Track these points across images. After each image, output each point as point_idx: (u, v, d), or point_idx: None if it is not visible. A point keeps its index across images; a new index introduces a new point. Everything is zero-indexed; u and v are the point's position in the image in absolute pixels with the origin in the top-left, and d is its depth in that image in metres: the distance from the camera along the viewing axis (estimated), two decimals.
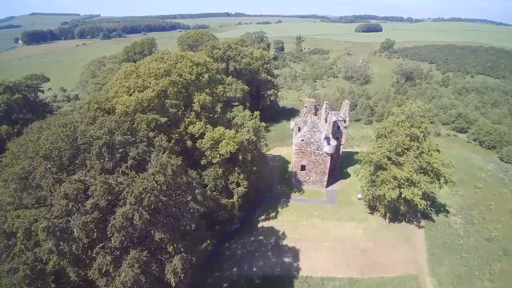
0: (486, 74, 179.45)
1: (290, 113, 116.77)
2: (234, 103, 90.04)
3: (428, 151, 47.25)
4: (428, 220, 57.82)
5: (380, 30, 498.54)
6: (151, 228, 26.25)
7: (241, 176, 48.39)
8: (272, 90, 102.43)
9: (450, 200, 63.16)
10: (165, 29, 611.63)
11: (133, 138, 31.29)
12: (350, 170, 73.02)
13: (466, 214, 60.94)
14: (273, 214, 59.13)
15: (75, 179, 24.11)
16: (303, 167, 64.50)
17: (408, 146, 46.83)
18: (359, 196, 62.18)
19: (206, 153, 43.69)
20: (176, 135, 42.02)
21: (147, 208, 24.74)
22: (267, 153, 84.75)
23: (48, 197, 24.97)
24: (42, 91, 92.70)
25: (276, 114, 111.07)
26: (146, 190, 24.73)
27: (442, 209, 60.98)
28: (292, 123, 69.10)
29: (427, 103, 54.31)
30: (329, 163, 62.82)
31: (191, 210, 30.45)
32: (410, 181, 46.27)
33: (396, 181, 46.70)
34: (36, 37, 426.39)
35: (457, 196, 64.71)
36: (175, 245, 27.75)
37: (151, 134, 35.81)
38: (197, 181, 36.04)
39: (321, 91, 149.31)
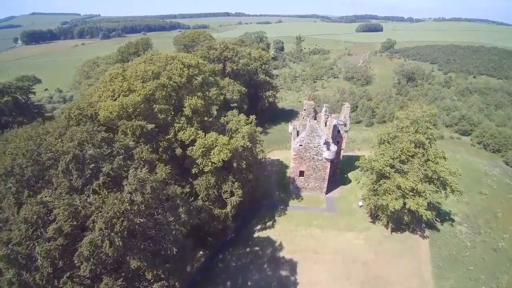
0: (489, 75, 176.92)
1: (290, 114, 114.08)
2: (232, 104, 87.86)
3: (434, 158, 44.41)
4: (433, 230, 55.02)
5: (381, 30, 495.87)
6: (126, 254, 23.38)
7: (236, 184, 45.61)
8: (270, 91, 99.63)
9: (455, 208, 60.35)
10: (165, 29, 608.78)
11: (109, 151, 28.34)
12: (351, 175, 70.17)
13: (472, 223, 58.20)
14: (270, 223, 56.33)
15: (37, 201, 21.28)
16: (301, 173, 61.74)
17: (412, 153, 44.01)
18: (360, 203, 59.43)
19: (197, 161, 40.90)
20: (165, 142, 39.22)
21: (119, 234, 21.90)
22: (265, 157, 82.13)
23: (10, 220, 22.14)
24: (34, 93, 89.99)
25: (275, 116, 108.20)
26: (118, 213, 21.90)
27: (447, 217, 58.21)
28: (290, 127, 66.35)
29: (433, 107, 51.17)
30: (329, 169, 60.08)
31: (173, 232, 27.52)
32: (415, 191, 43.48)
33: (400, 190, 43.94)
34: (35, 37, 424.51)
35: (463, 204, 61.91)
36: (154, 272, 25.01)
37: (131, 143, 33.03)
38: (182, 197, 32.81)
39: (321, 92, 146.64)
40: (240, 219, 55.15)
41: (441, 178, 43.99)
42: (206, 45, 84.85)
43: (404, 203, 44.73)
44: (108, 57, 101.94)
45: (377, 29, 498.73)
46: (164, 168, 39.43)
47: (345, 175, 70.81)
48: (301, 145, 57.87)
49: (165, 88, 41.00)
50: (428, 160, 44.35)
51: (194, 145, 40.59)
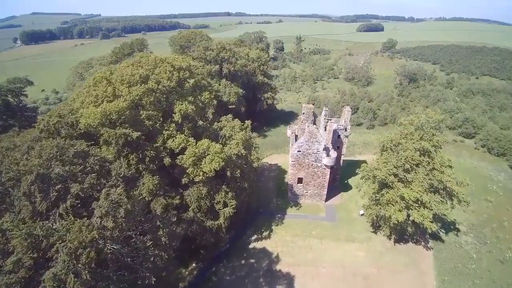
0: (492, 75, 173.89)
1: (289, 116, 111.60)
2: (230, 106, 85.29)
3: (440, 167, 41.71)
4: (437, 241, 52.40)
5: (382, 29, 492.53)
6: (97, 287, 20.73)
7: (229, 195, 43.01)
8: (269, 93, 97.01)
9: (460, 217, 57.71)
10: (165, 28, 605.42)
11: (82, 167, 25.66)
12: (351, 181, 67.62)
13: (478, 232, 55.63)
14: (267, 233, 53.74)
15: None
16: (300, 180, 59.14)
17: (417, 162, 41.31)
18: (361, 212, 56.79)
19: (188, 171, 38.31)
20: (152, 151, 36.60)
21: (87, 266, 19.29)
22: (260, 164, 79.46)
23: None
24: (26, 95, 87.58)
25: (274, 118, 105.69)
26: (85, 243, 19.30)
27: (452, 227, 55.60)
28: (288, 131, 63.67)
29: (438, 112, 48.43)
30: (328, 176, 57.47)
31: (152, 259, 24.84)
32: (419, 202, 40.83)
33: (403, 201, 41.33)
34: (34, 37, 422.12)
35: (468, 212, 59.20)
36: None
37: (109, 157, 30.47)
38: (163, 217, 29.79)
39: (321, 93, 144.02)
40: (235, 229, 52.66)
41: (448, 189, 41.35)
42: (203, 46, 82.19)
43: (408, 215, 42.13)
44: (102, 58, 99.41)
45: (378, 28, 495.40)
46: (151, 179, 37.10)
47: (346, 181, 68.20)
48: (300, 151, 55.27)
49: (154, 93, 38.43)
50: (434, 169, 41.67)
51: (184, 154, 37.93)
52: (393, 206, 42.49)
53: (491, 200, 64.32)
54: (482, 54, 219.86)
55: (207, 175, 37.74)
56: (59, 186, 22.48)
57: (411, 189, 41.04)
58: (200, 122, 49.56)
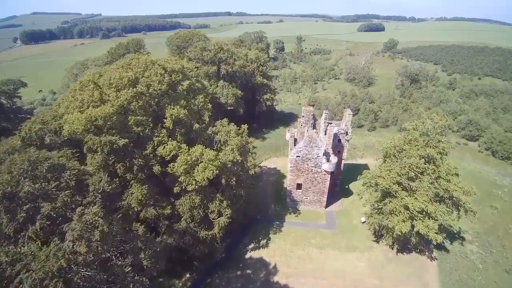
0: (494, 76, 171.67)
1: (289, 118, 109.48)
2: (229, 107, 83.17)
3: (446, 175, 39.53)
4: (442, 251, 50.25)
5: (383, 29, 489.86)
6: None
7: (224, 203, 40.91)
8: (268, 94, 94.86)
9: (465, 225, 55.44)
10: (165, 28, 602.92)
11: (56, 183, 23.51)
12: (352, 186, 65.59)
13: (483, 241, 53.57)
14: (264, 241, 51.64)
15: None
16: (299, 186, 57.06)
17: (422, 170, 39.09)
18: (363, 219, 54.68)
19: (179, 179, 36.23)
20: (140, 160, 34.47)
21: None
22: (262, 165, 77.53)
23: None
24: (19, 97, 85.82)
25: (273, 120, 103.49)
26: (52, 273, 17.14)
27: (457, 235, 53.42)
28: (287, 135, 61.46)
29: (444, 117, 46.12)
30: (328, 182, 55.37)
31: (131, 286, 22.61)
32: (424, 212, 38.68)
33: (407, 211, 39.19)
34: (34, 37, 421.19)
35: (473, 219, 57.05)
36: None
37: (89, 169, 28.39)
38: (145, 238, 27.23)
39: (321, 93, 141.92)
40: (231, 237, 50.67)
41: (454, 198, 39.22)
42: (200, 46, 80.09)
43: (412, 225, 40.00)
44: (97, 59, 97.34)
45: (379, 28, 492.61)
46: (140, 189, 35.06)
47: (346, 186, 66.07)
48: (299, 156, 53.18)
49: (143, 97, 36.32)
50: (439, 177, 39.52)
51: (175, 161, 35.84)
52: (397, 216, 40.35)
53: (497, 206, 62.25)
54: (484, 55, 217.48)
55: (200, 184, 35.63)
56: (28, 206, 20.31)
57: (415, 198, 38.91)
58: (196, 126, 47.72)
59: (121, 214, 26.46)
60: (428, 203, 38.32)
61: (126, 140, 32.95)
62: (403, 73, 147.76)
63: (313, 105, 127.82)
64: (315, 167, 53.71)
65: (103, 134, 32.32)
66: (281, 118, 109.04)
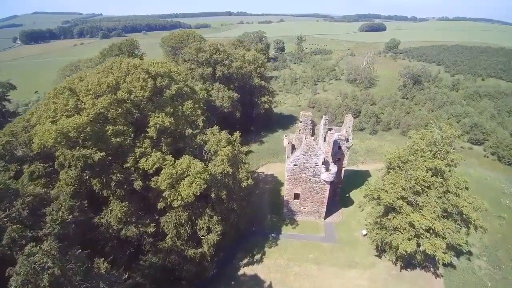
0: (498, 77, 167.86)
1: (288, 121, 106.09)
2: (226, 110, 79.97)
3: (456, 189, 36.21)
4: (448, 267, 46.89)
5: (384, 29, 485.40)
6: None
7: (214, 219, 37.77)
8: (266, 96, 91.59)
9: (473, 238, 51.66)
10: (165, 28, 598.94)
11: (4, 213, 20.07)
12: (353, 195, 62.43)
13: (491, 255, 50.46)
14: (259, 256, 48.43)
15: None
16: (296, 196, 53.87)
17: (429, 184, 35.77)
18: (364, 232, 51.47)
19: (164, 194, 33.12)
20: (119, 174, 31.34)
21: None
22: (258, 171, 74.37)
23: None
24: (9, 100, 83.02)
25: (271, 123, 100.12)
26: None
27: (464, 250, 49.99)
28: (285, 140, 58.14)
29: (453, 127, 42.66)
30: (328, 192, 52.16)
31: None
32: (431, 230, 35.44)
33: (413, 229, 35.95)
34: (34, 37, 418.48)
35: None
36: None
37: (53, 192, 25.24)
38: (108, 276, 23.50)
39: (322, 95, 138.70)
40: (223, 251, 47.45)
41: (464, 215, 35.96)
42: (194, 47, 76.87)
43: (418, 244, 36.76)
44: (89, 60, 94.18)
45: (380, 28, 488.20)
46: (120, 206, 31.93)
47: (347, 195, 62.83)
48: (296, 165, 50.00)
49: (124, 104, 33.18)
50: (448, 191, 36.24)
51: (159, 175, 32.70)
52: (401, 233, 37.10)
53: (505, 217, 59.09)
54: (487, 55, 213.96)
55: (186, 200, 32.49)
56: None
57: (421, 214, 35.64)
58: (189, 131, 44.69)
59: (82, 249, 22.78)
60: (436, 220, 35.05)
61: (103, 153, 29.79)
62: (406, 74, 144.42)
63: (313, 107, 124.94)
64: (314, 177, 50.53)
65: (78, 147, 29.19)
66: (280, 121, 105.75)
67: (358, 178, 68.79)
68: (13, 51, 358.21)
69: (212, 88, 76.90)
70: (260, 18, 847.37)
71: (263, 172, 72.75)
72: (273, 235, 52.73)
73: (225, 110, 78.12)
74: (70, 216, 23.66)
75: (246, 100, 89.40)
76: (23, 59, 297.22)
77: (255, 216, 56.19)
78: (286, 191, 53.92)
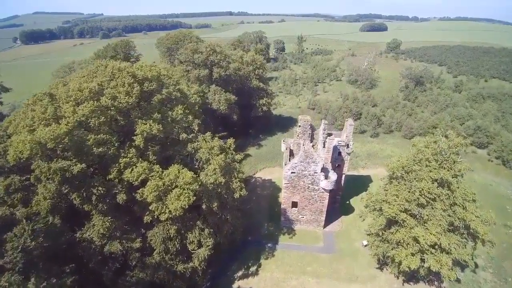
0: (501, 78, 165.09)
1: (287, 123, 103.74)
2: (224, 112, 77.76)
3: (463, 201, 33.86)
4: (452, 280, 44.51)
5: (385, 29, 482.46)
6: None
7: (206, 232, 35.60)
8: (265, 99, 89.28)
9: (478, 248, 49.81)
10: (166, 28, 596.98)
11: None
12: (354, 201, 60.17)
13: (497, 267, 48.27)
14: (254, 268, 46.15)
15: None
16: (294, 204, 51.63)
17: (435, 196, 33.43)
18: (364, 242, 49.20)
19: (150, 207, 30.93)
20: (100, 188, 29.12)
21: None
22: (256, 175, 72.18)
23: None
24: (1, 103, 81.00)
25: (270, 125, 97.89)
26: None
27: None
28: (283, 146, 55.70)
29: (462, 136, 40.06)
30: (327, 201, 49.90)
31: None
32: (437, 246, 33.13)
33: (417, 244, 33.66)
34: (34, 37, 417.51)
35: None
36: None
37: (18, 214, 23.01)
38: None
39: (322, 96, 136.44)
40: (217, 262, 45.23)
41: (472, 230, 33.65)
42: (190, 48, 74.64)
43: (422, 259, 34.48)
44: (84, 61, 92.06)
45: (381, 28, 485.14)
46: (102, 221, 29.74)
47: (347, 202, 60.56)
48: (294, 172, 47.74)
49: (108, 111, 30.99)
50: (455, 204, 33.92)
51: (146, 186, 30.49)
52: (405, 249, 34.79)
53: (511, 226, 56.77)
54: (490, 56, 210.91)
55: (174, 214, 30.27)
56: None
57: (426, 228, 33.34)
58: (184, 136, 42.53)
59: (65, 265, 20.76)
60: (442, 235, 32.75)
61: (84, 165, 27.60)
62: (407, 75, 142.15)
63: (313, 109, 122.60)
64: (312, 185, 48.29)
65: (56, 159, 26.99)
66: (279, 123, 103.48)
67: (359, 183, 66.49)
68: (12, 51, 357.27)
69: (209, 91, 74.72)
70: (261, 18, 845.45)
71: (260, 177, 70.53)
72: (269, 245, 50.46)
73: (222, 112, 76.03)
74: (33, 243, 21.36)
75: (244, 103, 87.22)
76: (22, 59, 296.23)
77: (251, 224, 54.02)
78: (284, 199, 51.67)
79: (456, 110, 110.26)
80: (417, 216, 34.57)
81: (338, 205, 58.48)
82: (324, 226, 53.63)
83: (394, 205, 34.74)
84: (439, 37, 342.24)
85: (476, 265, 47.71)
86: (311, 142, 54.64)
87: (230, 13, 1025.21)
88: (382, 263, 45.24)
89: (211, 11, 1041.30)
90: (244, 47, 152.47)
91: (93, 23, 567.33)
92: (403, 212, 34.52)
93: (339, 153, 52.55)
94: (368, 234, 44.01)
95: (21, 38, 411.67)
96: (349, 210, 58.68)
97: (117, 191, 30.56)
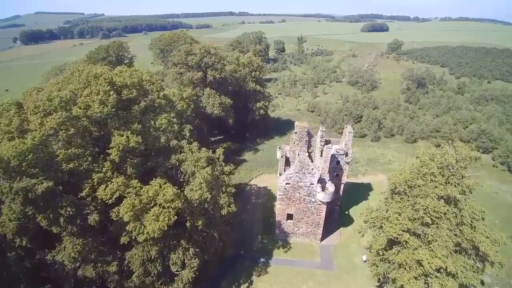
0: (504, 80, 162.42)
1: (286, 126, 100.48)
2: (219, 115, 74.91)
3: (471, 221, 30.90)
4: None
5: (387, 29, 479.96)
6: None
7: (191, 252, 32.68)
8: (262, 102, 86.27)
9: (486, 270, 46.90)
10: (166, 28, 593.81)
11: None
12: (353, 212, 57.25)
13: (505, 284, 45.39)
14: (245, 286, 43.19)
15: None
16: (289, 216, 48.72)
17: (440, 214, 30.47)
18: (364, 258, 46.32)
19: (127, 228, 28.05)
20: (69, 208, 26.23)
21: None
22: (251, 183, 69.34)
23: None
24: None
25: (268, 129, 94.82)
26: None
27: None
28: (278, 153, 52.45)
29: (472, 148, 36.81)
30: (324, 213, 46.96)
31: None
32: (442, 269, 30.19)
33: (421, 267, 30.73)
34: (34, 37, 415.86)
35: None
36: None
37: None
38: None
39: (322, 98, 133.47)
40: (206, 280, 42.28)
41: (481, 253, 30.69)
42: (184, 50, 71.77)
43: (427, 283, 31.52)
44: (76, 63, 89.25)
45: (383, 28, 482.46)
46: (74, 244, 26.90)
47: (346, 212, 57.62)
48: (288, 184, 44.82)
49: (80, 122, 28.14)
50: (462, 223, 30.97)
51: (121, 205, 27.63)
52: (408, 272, 31.83)
53: None
54: (492, 56, 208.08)
55: (153, 236, 27.40)
56: None
57: (431, 250, 30.41)
58: (174, 142, 39.82)
59: None
60: (448, 257, 29.81)
61: (50, 183, 24.77)
62: (409, 76, 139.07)
63: (312, 111, 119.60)
64: (309, 196, 45.37)
65: (20, 177, 24.18)
66: (277, 126, 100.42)
67: (359, 192, 63.59)
68: (12, 51, 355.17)
69: (203, 94, 71.90)
70: (262, 18, 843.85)
71: (256, 185, 67.66)
72: (263, 260, 47.46)
73: (217, 116, 73.27)
74: None
75: (241, 106, 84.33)
76: (21, 59, 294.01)
77: (244, 237, 51.17)
78: (278, 211, 48.72)
79: (459, 113, 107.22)
80: (421, 236, 31.62)
81: (336, 215, 55.52)
82: (322, 239, 50.67)
83: (396, 224, 31.80)
84: (441, 37, 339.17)
85: (483, 283, 44.79)
86: (308, 149, 51.71)
87: (231, 13, 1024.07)
88: (382, 282, 42.21)
89: (212, 11, 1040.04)
90: (243, 48, 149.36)
91: (93, 23, 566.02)
92: (406, 232, 31.55)
93: (338, 162, 49.64)
94: (368, 248, 41.23)
95: (21, 38, 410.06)
96: (348, 221, 55.70)
97: (89, 211, 27.69)
